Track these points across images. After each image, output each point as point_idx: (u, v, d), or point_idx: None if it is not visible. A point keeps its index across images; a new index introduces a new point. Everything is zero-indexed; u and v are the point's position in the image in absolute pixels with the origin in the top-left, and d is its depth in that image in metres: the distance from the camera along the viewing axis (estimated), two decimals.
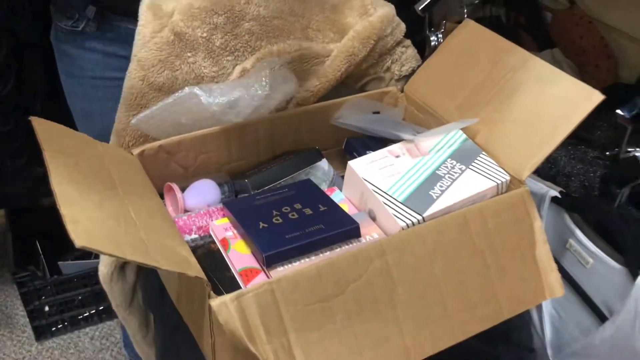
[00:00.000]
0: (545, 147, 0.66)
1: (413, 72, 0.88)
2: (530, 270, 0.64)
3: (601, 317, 0.81)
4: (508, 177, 0.67)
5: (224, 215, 0.67)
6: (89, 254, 1.57)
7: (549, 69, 0.70)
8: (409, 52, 0.91)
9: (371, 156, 0.69)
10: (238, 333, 0.52)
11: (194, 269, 0.53)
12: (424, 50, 1.05)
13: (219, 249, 0.64)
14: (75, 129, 0.81)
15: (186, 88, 0.72)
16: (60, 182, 0.52)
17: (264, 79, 0.73)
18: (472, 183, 0.67)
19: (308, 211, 0.64)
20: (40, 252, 1.51)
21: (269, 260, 0.58)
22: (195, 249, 0.63)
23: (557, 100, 0.67)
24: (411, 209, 0.63)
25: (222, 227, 0.65)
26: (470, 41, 0.79)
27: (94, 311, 1.51)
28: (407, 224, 0.62)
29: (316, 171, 0.76)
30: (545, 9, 1.12)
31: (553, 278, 0.65)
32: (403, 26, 0.90)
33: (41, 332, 1.47)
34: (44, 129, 0.60)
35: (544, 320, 0.90)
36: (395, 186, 0.66)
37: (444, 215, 0.63)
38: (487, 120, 0.72)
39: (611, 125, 0.88)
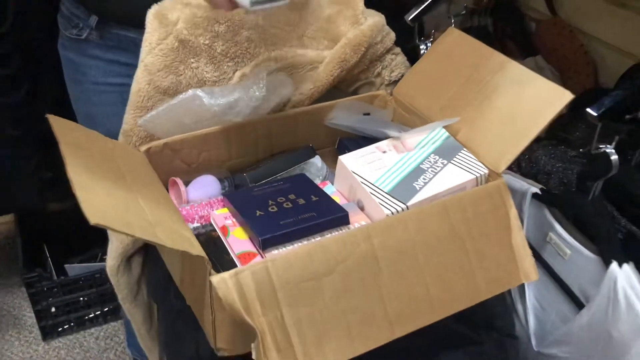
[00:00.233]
0: (520, 143, 0.71)
1: (402, 77, 0.94)
2: (507, 255, 0.70)
3: (579, 305, 0.85)
4: (486, 171, 0.73)
5: (223, 206, 0.73)
6: (94, 257, 1.62)
7: (524, 71, 0.76)
8: (398, 59, 0.97)
9: (360, 151, 0.75)
10: (236, 306, 0.57)
11: (197, 249, 0.58)
12: (416, 58, 1.11)
13: (219, 236, 0.69)
14: None
15: (189, 90, 0.77)
16: (75, 170, 0.57)
17: (261, 81, 0.78)
18: (453, 176, 0.72)
19: (301, 201, 0.70)
20: (48, 255, 1.57)
21: (265, 244, 0.64)
22: (197, 237, 0.68)
23: (531, 100, 0.73)
24: (396, 199, 0.69)
25: (222, 216, 0.70)
26: (454, 47, 0.85)
27: (99, 312, 1.56)
28: (392, 212, 0.67)
29: (310, 167, 0.81)
30: (530, 19, 1.18)
31: (528, 263, 0.70)
32: (393, 35, 0.96)
33: (48, 332, 1.52)
34: (60, 125, 0.65)
35: (527, 311, 0.95)
36: (381, 178, 0.71)
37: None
38: (467, 119, 0.78)
39: (589, 126, 0.93)
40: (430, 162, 0.74)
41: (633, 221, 0.83)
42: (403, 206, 0.68)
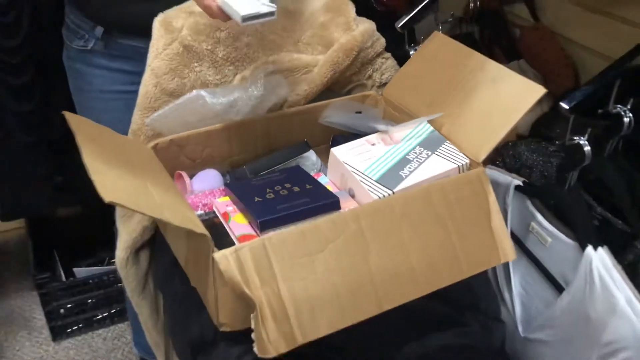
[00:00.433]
0: (498, 134, 0.77)
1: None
2: (486, 236, 0.75)
3: (560, 290, 0.90)
4: (468, 161, 0.79)
5: (225, 194, 0.79)
6: (102, 262, 1.68)
7: (501, 69, 0.82)
8: (388, 63, 1.04)
9: (351, 144, 0.81)
10: (236, 280, 0.63)
11: (200, 228, 0.64)
12: None
13: (221, 222, 0.75)
14: None
15: (193, 91, 0.84)
16: (90, 158, 0.63)
17: (259, 81, 0.85)
18: (437, 165, 0.78)
19: (296, 189, 0.76)
20: (57, 259, 1.63)
21: (263, 226, 0.70)
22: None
23: (507, 95, 0.79)
24: (383, 186, 0.75)
25: (224, 204, 0.76)
26: (438, 50, 0.91)
27: (106, 314, 1.62)
28: (380, 198, 0.73)
29: (305, 161, 0.87)
30: (514, 25, 1.25)
31: (506, 244, 0.75)
32: (383, 40, 1.02)
33: (57, 333, 1.58)
34: (75, 120, 0.72)
35: (514, 299, 1.00)
36: (370, 168, 0.77)
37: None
38: (450, 114, 0.84)
39: (568, 122, 0.99)
40: (415, 153, 0.80)
41: (608, 209, 0.89)
42: (390, 192, 0.74)
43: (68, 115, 0.73)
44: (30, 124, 1.33)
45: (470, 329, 0.85)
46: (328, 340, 0.73)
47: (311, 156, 0.87)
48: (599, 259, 0.82)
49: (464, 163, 0.79)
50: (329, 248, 0.67)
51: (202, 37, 0.88)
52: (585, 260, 0.83)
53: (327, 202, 0.73)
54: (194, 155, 0.88)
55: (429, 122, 0.84)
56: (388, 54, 1.04)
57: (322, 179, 0.82)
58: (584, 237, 0.84)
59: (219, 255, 0.63)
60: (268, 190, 0.75)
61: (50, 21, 1.18)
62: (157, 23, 0.87)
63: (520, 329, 1.00)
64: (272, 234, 0.66)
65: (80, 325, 1.59)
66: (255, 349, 0.64)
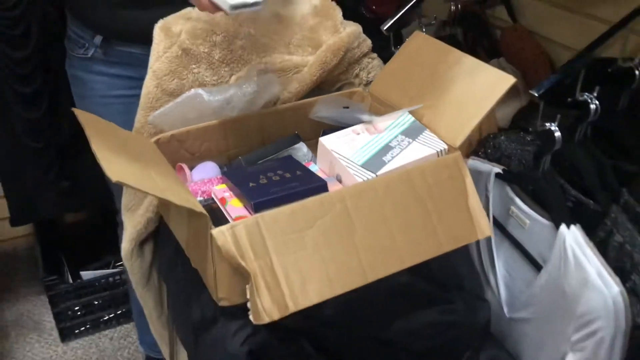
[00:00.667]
0: (472, 121, 0.84)
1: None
2: (464, 215, 0.81)
3: (540, 269, 0.96)
4: (446, 146, 0.85)
5: (222, 182, 0.85)
6: (107, 264, 1.74)
7: (477, 63, 0.89)
8: (374, 62, 1.11)
9: (338, 134, 0.87)
10: (232, 253, 0.69)
11: (199, 208, 0.71)
12: None
13: (218, 207, 0.82)
14: None
15: (192, 90, 0.91)
16: (98, 146, 0.70)
17: (252, 78, 0.92)
18: (417, 151, 0.85)
19: (287, 175, 0.82)
20: (65, 263, 1.69)
21: (257, 207, 0.76)
22: None
23: (481, 86, 0.86)
24: (368, 170, 0.81)
25: (221, 190, 0.83)
26: (419, 48, 0.98)
27: (112, 315, 1.67)
28: (364, 180, 0.80)
29: (297, 152, 0.94)
30: (494, 26, 1.32)
31: (482, 221, 0.82)
32: (369, 41, 1.09)
33: (66, 334, 1.63)
34: (84, 116, 0.78)
35: (498, 281, 1.06)
36: (355, 154, 0.84)
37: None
38: (430, 106, 0.90)
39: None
40: (397, 141, 0.86)
41: (581, 192, 0.95)
42: (373, 175, 0.80)
43: (77, 112, 0.79)
44: (38, 130, 1.39)
45: (455, 306, 0.91)
46: (320, 316, 0.79)
47: (302, 148, 0.94)
48: (572, 236, 0.87)
49: (442, 149, 0.85)
50: (317, 225, 0.73)
51: (199, 40, 0.95)
52: (560, 239, 0.89)
53: (316, 185, 0.79)
54: (193, 149, 0.94)
55: (411, 113, 0.91)
56: (374, 55, 1.11)
57: (313, 167, 0.88)
58: (558, 217, 0.90)
59: (216, 231, 0.69)
60: (262, 176, 0.82)
61: (57, 31, 1.25)
62: (158, 29, 0.94)
63: (505, 310, 1.05)
64: (265, 213, 0.72)
65: (88, 326, 1.65)
66: (250, 317, 0.70)
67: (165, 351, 1.21)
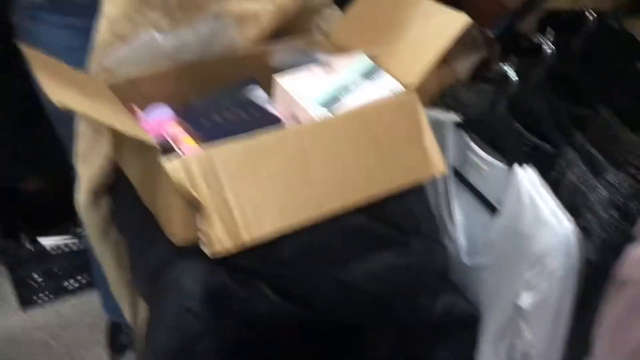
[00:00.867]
0: (427, 61, 0.83)
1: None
2: (419, 152, 0.82)
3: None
4: (402, 87, 0.85)
5: (175, 122, 0.84)
6: (66, 231, 1.71)
7: (432, 5, 0.89)
8: (336, 14, 1.10)
9: (294, 74, 0.87)
10: (183, 183, 0.68)
11: (149, 140, 0.69)
12: None
13: (172, 147, 0.80)
14: None
15: (146, 33, 0.89)
16: (43, 74, 0.67)
17: (208, 22, 0.90)
18: (373, 92, 0.84)
19: (242, 114, 0.81)
20: (23, 230, 1.65)
21: (210, 142, 0.75)
22: None
23: (436, 27, 0.86)
24: (325, 108, 0.81)
25: (174, 129, 0.81)
26: None
27: (74, 281, 1.64)
28: (320, 119, 0.79)
29: (255, 99, 0.93)
30: None
31: (437, 159, 0.82)
32: None
33: (26, 302, 1.60)
34: (31, 52, 0.76)
35: (457, 230, 1.07)
36: (312, 93, 0.83)
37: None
38: (387, 49, 0.90)
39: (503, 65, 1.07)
40: (354, 81, 0.86)
41: (538, 137, 0.96)
42: (330, 114, 0.80)
43: (25, 48, 0.77)
44: None
45: (412, 248, 0.91)
46: (277, 257, 0.79)
47: (258, 92, 0.93)
48: (526, 176, 0.89)
49: (398, 90, 0.85)
50: (272, 159, 0.73)
51: None
52: (515, 179, 0.90)
53: (270, 118, 0.78)
54: (147, 94, 0.92)
55: (368, 56, 0.90)
56: (336, 7, 1.11)
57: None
58: (513, 158, 0.91)
59: (169, 165, 0.68)
60: (216, 114, 0.81)
61: None
62: None
63: (465, 259, 1.07)
64: (219, 147, 0.71)
65: (48, 293, 1.62)
66: (204, 248, 0.69)
67: (126, 310, 1.19)
